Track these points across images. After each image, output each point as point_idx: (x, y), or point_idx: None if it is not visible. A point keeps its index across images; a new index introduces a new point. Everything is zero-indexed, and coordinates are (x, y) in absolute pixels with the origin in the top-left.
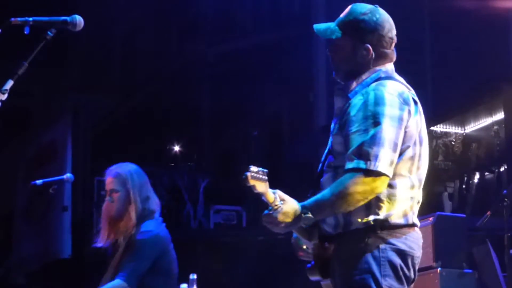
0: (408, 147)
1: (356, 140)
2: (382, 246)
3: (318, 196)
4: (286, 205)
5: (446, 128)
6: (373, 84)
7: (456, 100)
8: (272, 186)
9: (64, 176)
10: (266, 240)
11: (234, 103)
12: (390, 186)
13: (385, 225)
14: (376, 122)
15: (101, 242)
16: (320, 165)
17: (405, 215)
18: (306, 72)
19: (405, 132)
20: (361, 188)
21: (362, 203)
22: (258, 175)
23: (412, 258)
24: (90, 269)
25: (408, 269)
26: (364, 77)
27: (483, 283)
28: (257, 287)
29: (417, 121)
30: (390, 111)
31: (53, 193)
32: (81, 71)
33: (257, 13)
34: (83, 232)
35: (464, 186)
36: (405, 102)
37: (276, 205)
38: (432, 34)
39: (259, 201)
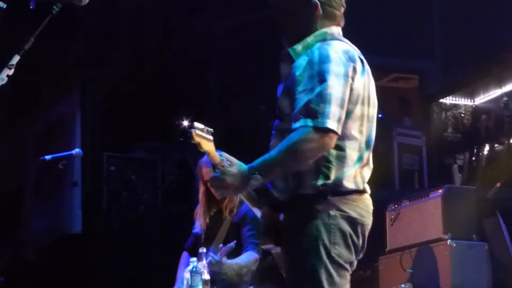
0: (356, 106)
1: (302, 99)
2: (332, 212)
3: (266, 156)
4: (234, 167)
5: (455, 100)
6: (318, 44)
7: (465, 72)
8: None
9: (73, 152)
10: None
11: (242, 77)
12: (339, 147)
13: (336, 191)
14: (322, 80)
15: (200, 228)
16: (273, 131)
17: (355, 180)
18: None
19: (352, 90)
20: (309, 145)
21: (311, 161)
22: (203, 133)
23: (362, 226)
24: (100, 244)
25: (358, 237)
26: (309, 39)
27: (493, 254)
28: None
29: (364, 82)
30: (335, 68)
31: (62, 168)
32: (89, 46)
33: None
34: (93, 207)
35: (473, 158)
36: (350, 59)
37: (223, 167)
38: (440, 5)
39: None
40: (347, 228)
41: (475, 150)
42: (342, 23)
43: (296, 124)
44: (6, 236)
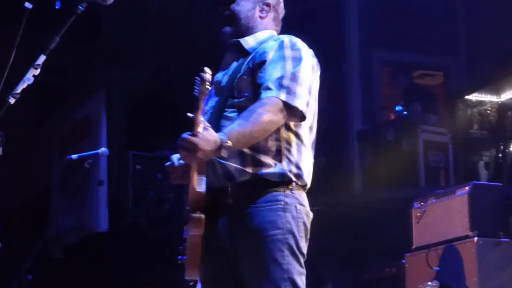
0: (313, 101)
1: (274, 74)
2: (298, 206)
3: (234, 125)
4: (208, 131)
5: (481, 96)
6: (283, 35)
7: (491, 68)
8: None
9: (99, 150)
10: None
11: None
12: (297, 135)
13: (299, 180)
14: (295, 62)
15: None
16: (208, 115)
17: (309, 175)
18: (337, 42)
19: (315, 83)
20: (275, 117)
21: (271, 132)
22: (208, 85)
23: (310, 220)
24: (126, 242)
25: (309, 232)
26: (259, 36)
27: None
28: None
29: (318, 80)
30: (305, 56)
31: (88, 167)
32: (114, 45)
33: None
34: (119, 205)
35: (500, 155)
36: (313, 55)
37: (199, 129)
38: (465, 1)
39: None
40: (307, 222)
41: (502, 147)
42: (279, 30)
43: (268, 93)
44: (33, 235)
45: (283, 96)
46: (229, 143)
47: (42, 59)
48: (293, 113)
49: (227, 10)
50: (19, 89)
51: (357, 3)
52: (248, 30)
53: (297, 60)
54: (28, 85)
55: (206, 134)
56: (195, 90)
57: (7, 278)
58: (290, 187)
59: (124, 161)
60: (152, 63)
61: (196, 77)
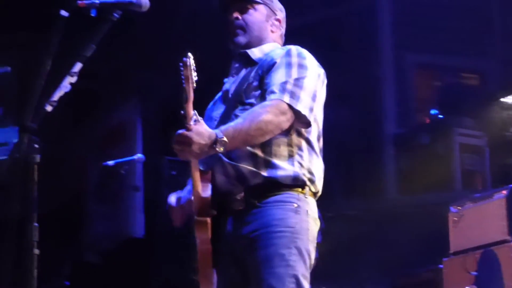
0: (320, 109)
1: (279, 79)
2: (309, 211)
3: (231, 122)
4: (202, 125)
5: None
6: (288, 45)
7: None
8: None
9: (135, 157)
10: (336, 217)
11: None
12: (308, 141)
13: (311, 188)
14: (300, 70)
15: None
16: (215, 123)
17: (320, 182)
18: (371, 45)
19: (320, 92)
20: (277, 119)
21: (272, 135)
22: (192, 71)
23: (317, 229)
24: (161, 248)
25: (316, 239)
26: (265, 48)
27: None
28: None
29: (325, 90)
30: (310, 64)
31: (124, 173)
32: (148, 51)
33: None
34: (155, 211)
35: None
36: (319, 65)
37: (195, 122)
38: (500, 2)
39: (328, 178)
40: (315, 229)
41: None
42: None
43: (271, 96)
44: (70, 241)
45: (286, 98)
46: (225, 138)
47: (78, 66)
48: (298, 118)
49: (239, 20)
50: (56, 96)
51: (390, 6)
52: (259, 42)
53: (303, 67)
54: (65, 93)
55: (199, 128)
56: (181, 79)
57: (45, 284)
58: (303, 191)
59: (159, 166)
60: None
61: (180, 63)
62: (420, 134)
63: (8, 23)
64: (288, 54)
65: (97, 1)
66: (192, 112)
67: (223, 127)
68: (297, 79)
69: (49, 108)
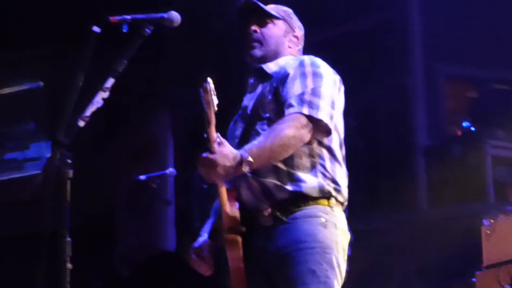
0: (339, 116)
1: (295, 91)
2: (338, 224)
3: (255, 141)
4: (226, 147)
5: None
6: (301, 56)
7: None
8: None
9: (167, 171)
10: (367, 230)
11: None
12: (330, 150)
13: (338, 198)
14: (315, 79)
15: None
16: (236, 141)
17: (346, 191)
18: (401, 56)
19: (338, 99)
20: (299, 132)
21: (295, 149)
22: (213, 96)
23: (348, 241)
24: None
25: (346, 252)
26: (280, 61)
27: None
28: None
29: (343, 97)
30: (325, 72)
31: (156, 187)
32: (178, 64)
33: (349, 0)
34: (186, 225)
35: None
36: (334, 72)
37: (218, 144)
38: None
39: (359, 190)
40: (345, 242)
41: None
42: None
43: (290, 110)
44: (102, 255)
45: (305, 110)
46: (250, 158)
47: (110, 82)
48: (318, 127)
49: (257, 33)
50: (88, 112)
51: (421, 17)
52: (275, 56)
53: (318, 75)
54: (97, 108)
55: (223, 150)
56: (202, 104)
57: None
58: (330, 203)
59: (190, 180)
60: (216, 82)
61: (200, 88)
62: (451, 146)
63: (41, 37)
64: (301, 64)
65: (129, 17)
66: (216, 135)
67: (247, 147)
68: (313, 89)
69: (81, 123)
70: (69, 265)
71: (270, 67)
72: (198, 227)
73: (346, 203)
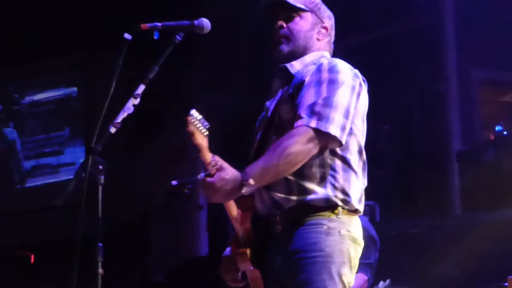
0: (359, 122)
1: (307, 100)
2: (342, 231)
3: (260, 160)
4: (225, 170)
5: None
6: (323, 58)
7: None
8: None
9: (199, 176)
10: (399, 235)
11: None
12: (343, 159)
13: (346, 208)
14: (330, 87)
15: None
16: (256, 143)
17: (360, 201)
18: (435, 61)
19: (358, 105)
20: (306, 147)
21: (302, 163)
22: (199, 124)
23: (360, 248)
24: None
25: (356, 259)
26: (307, 58)
27: None
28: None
29: (366, 98)
30: (344, 78)
31: (188, 193)
32: (211, 71)
33: (384, 4)
34: (219, 230)
35: None
36: (356, 75)
37: (213, 168)
38: None
39: (392, 195)
40: (352, 249)
41: None
42: (332, 52)
43: (298, 123)
44: (135, 260)
45: (313, 123)
46: (251, 181)
47: (141, 88)
48: (327, 140)
49: (284, 28)
50: (119, 118)
51: (455, 22)
52: (304, 51)
53: (333, 83)
54: (129, 115)
55: (221, 174)
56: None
57: None
58: (335, 212)
59: None
60: (248, 88)
61: (186, 117)
62: (485, 150)
63: (75, 44)
64: (318, 70)
65: (159, 24)
66: (211, 159)
67: (250, 167)
68: (326, 98)
69: (113, 129)
70: (101, 271)
71: (295, 66)
72: (230, 233)
73: (359, 212)
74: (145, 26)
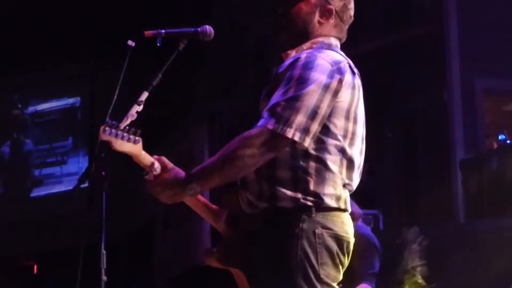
0: (338, 120)
1: (273, 99)
2: (318, 231)
3: (206, 161)
4: (168, 172)
5: None
6: (310, 49)
7: None
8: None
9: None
10: (403, 244)
11: (367, 104)
12: (319, 160)
13: (320, 207)
14: (299, 86)
15: None
16: None
17: (338, 199)
18: (438, 70)
19: (336, 103)
20: (257, 151)
21: (256, 166)
22: (119, 132)
23: (348, 243)
24: (231, 275)
25: (343, 255)
26: (304, 46)
27: None
28: None
29: (352, 96)
30: (316, 76)
31: None
32: (216, 78)
33: (387, 13)
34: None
35: None
36: (338, 70)
37: (150, 171)
38: None
39: (395, 203)
40: (334, 246)
41: None
42: (344, 39)
43: (259, 122)
44: (139, 267)
45: (271, 125)
46: (194, 183)
47: (145, 95)
48: (287, 142)
49: (282, 16)
50: (122, 125)
51: (458, 32)
52: (304, 37)
53: (303, 81)
54: (132, 122)
55: (164, 175)
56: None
57: None
58: (308, 213)
59: None
60: (254, 95)
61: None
62: (488, 159)
63: (79, 55)
64: (293, 66)
65: (163, 31)
66: (150, 162)
67: (195, 169)
68: (290, 99)
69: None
70: (104, 278)
71: (291, 55)
72: None
73: (341, 208)
74: (148, 33)
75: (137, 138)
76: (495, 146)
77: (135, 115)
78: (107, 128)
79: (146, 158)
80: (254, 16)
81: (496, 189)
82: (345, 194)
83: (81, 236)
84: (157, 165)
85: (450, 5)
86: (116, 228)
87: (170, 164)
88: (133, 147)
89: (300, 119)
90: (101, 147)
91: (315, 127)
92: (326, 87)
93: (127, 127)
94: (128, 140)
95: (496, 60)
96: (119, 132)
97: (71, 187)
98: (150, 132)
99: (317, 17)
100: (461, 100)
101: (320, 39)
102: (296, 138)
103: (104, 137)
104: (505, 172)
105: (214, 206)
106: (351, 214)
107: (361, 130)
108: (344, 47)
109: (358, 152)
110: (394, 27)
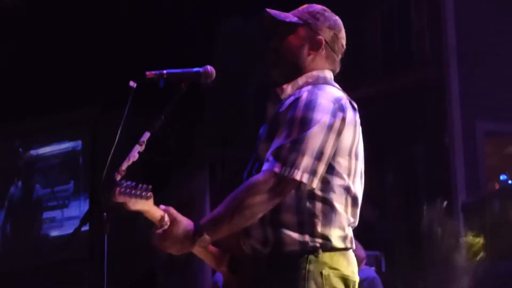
0: (341, 159)
1: (276, 141)
2: (324, 271)
3: (215, 211)
4: (177, 224)
5: None
6: (309, 86)
7: None
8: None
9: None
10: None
11: (367, 148)
12: (325, 201)
13: (327, 248)
14: (302, 127)
15: None
16: (245, 173)
17: (344, 239)
18: (439, 113)
19: (339, 143)
20: (265, 197)
21: (264, 212)
22: (133, 191)
23: (354, 283)
24: None
25: None
26: (300, 81)
27: None
28: None
29: (354, 133)
30: (319, 116)
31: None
32: (217, 126)
33: (387, 58)
34: None
35: None
36: (340, 108)
37: (162, 226)
38: None
39: (398, 245)
40: (341, 285)
41: None
42: (338, 69)
43: (264, 167)
44: None
45: (277, 168)
46: (205, 235)
47: (146, 136)
48: (294, 185)
49: (272, 50)
50: (124, 166)
51: (459, 76)
52: (297, 71)
53: (306, 122)
54: (133, 162)
55: (173, 230)
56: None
57: None
58: (315, 253)
59: None
60: (254, 143)
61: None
62: (490, 201)
63: (79, 100)
64: (295, 106)
65: (165, 72)
66: (160, 216)
67: (204, 220)
68: (295, 141)
69: (118, 177)
70: None
71: (287, 90)
72: None
73: (348, 247)
74: (150, 74)
75: (148, 194)
76: (497, 186)
77: (137, 155)
78: (122, 189)
79: (157, 212)
80: (253, 65)
81: (499, 231)
82: (351, 233)
83: (82, 282)
84: (166, 218)
85: (451, 50)
86: (119, 274)
87: (178, 216)
88: (145, 204)
89: (306, 160)
90: (103, 191)
91: (322, 168)
92: (330, 127)
93: (140, 185)
94: (141, 197)
95: (497, 103)
96: (133, 191)
97: (71, 231)
98: (151, 178)
99: (307, 49)
100: (462, 143)
101: (314, 73)
102: (304, 180)
103: (120, 199)
104: (507, 214)
105: (214, 249)
106: (356, 256)
107: (360, 165)
108: (346, 92)
109: (359, 188)
110: (395, 71)
